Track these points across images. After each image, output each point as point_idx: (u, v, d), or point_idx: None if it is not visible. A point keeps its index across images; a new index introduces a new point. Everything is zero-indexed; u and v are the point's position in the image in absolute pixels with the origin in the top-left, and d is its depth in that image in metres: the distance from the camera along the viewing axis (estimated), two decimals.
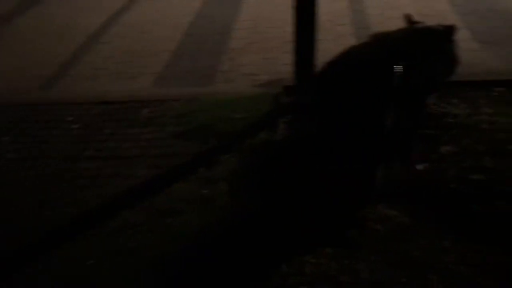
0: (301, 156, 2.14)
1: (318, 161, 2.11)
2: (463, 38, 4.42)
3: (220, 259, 2.17)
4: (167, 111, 3.59)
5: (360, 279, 2.02)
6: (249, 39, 4.88)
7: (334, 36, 4.77)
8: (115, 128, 3.44)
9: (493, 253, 2.09)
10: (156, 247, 2.35)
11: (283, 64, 4.16)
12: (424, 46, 2.37)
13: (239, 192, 2.33)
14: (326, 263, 2.09)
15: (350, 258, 2.11)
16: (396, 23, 2.67)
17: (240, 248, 2.20)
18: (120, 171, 2.99)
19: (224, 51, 4.68)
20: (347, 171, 2.05)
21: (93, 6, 6.08)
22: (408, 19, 2.56)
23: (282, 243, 2.15)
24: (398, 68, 2.17)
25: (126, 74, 4.37)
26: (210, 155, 3.00)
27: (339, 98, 2.23)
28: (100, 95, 3.93)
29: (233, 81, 4.12)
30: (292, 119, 2.69)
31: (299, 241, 2.16)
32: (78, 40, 5.11)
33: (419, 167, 2.64)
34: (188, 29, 5.22)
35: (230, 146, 3.04)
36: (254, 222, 2.28)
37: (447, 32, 2.44)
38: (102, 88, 4.12)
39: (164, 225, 2.49)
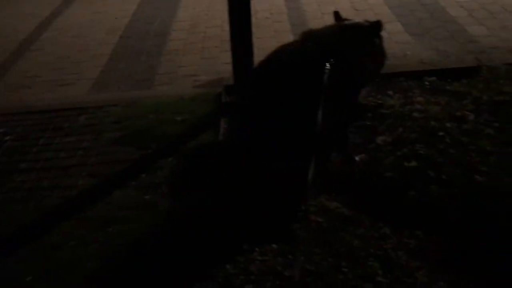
0: (237, 156, 2.15)
1: (254, 160, 2.13)
2: (395, 31, 4.62)
3: (163, 263, 2.15)
4: (105, 117, 3.51)
5: (305, 272, 2.05)
6: (187, 40, 4.85)
7: (273, 34, 4.82)
8: (51, 138, 3.33)
9: (429, 237, 2.18)
10: (99, 258, 2.29)
11: (223, 63, 4.16)
12: (353, 42, 2.44)
13: (180, 194, 2.31)
14: (271, 260, 2.11)
15: (294, 252, 2.14)
16: (332, 18, 2.72)
17: (183, 251, 2.18)
18: (58, 182, 2.90)
19: (163, 52, 4.62)
20: (282, 167, 2.09)
21: (22, 11, 5.85)
22: (337, 16, 2.63)
23: (226, 243, 2.15)
24: (329, 64, 2.22)
25: (61, 81, 4.24)
26: (151, 159, 2.96)
27: (272, 96, 2.26)
28: (34, 104, 3.80)
29: (173, 83, 4.08)
30: (231, 119, 2.70)
31: (243, 240, 2.16)
32: (9, 47, 4.91)
33: (357, 158, 2.71)
34: (124, 32, 5.12)
35: (171, 149, 3.01)
36: (197, 224, 2.28)
37: (374, 27, 2.52)
38: (36, 97, 3.98)
39: (106, 234, 2.44)
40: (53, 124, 3.49)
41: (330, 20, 2.75)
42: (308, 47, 2.39)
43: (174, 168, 2.55)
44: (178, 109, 3.48)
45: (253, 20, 5.02)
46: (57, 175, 2.96)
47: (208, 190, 2.26)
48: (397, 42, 4.40)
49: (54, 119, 3.54)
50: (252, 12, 5.15)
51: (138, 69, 4.33)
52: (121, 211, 2.59)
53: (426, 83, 3.55)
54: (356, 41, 2.46)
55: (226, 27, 3.73)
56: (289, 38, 4.27)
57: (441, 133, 2.58)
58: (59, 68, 4.46)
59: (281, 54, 2.43)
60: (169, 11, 5.56)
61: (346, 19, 2.61)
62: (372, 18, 2.81)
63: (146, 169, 2.88)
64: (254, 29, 4.73)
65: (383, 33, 4.16)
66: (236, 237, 2.19)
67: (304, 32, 2.55)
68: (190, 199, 2.32)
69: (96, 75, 4.27)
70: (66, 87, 4.13)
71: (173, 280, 2.11)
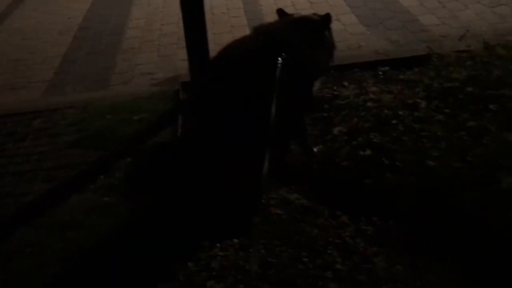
0: (193, 153, 2.15)
1: (210, 156, 2.13)
2: (350, 22, 4.69)
3: (124, 265, 2.13)
4: (61, 120, 3.43)
5: (266, 265, 2.07)
6: (143, 38, 4.79)
7: (230, 29, 4.81)
8: (4, 144, 3.24)
9: (385, 223, 2.24)
10: (58, 263, 2.25)
11: (180, 60, 4.13)
12: (304, 36, 2.46)
13: (139, 195, 2.29)
14: (233, 254, 2.12)
15: (254, 246, 2.15)
16: (288, 11, 2.74)
17: (144, 252, 2.17)
18: (14, 188, 2.83)
19: (118, 51, 4.54)
20: (237, 162, 2.10)
21: None
22: (281, 13, 2.65)
23: (186, 242, 2.15)
24: (281, 58, 2.24)
25: (12, 85, 4.12)
26: (109, 161, 2.91)
27: (225, 92, 2.27)
28: None
29: (130, 82, 4.03)
30: (187, 116, 2.69)
31: (204, 237, 2.17)
32: None
33: (315, 149, 2.75)
34: (78, 32, 5.01)
35: (129, 149, 2.97)
36: (156, 224, 2.27)
37: (324, 20, 2.56)
38: None
39: (65, 239, 2.40)
40: (6, 129, 3.39)
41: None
42: (260, 42, 2.40)
43: (132, 169, 2.52)
44: (135, 109, 3.44)
45: (210, 15, 5.05)
46: (12, 181, 2.89)
47: (166, 189, 2.24)
48: (352, 33, 4.47)
49: (7, 124, 3.44)
50: (209, 7, 5.18)
51: (94, 70, 4.25)
52: (79, 215, 2.55)
53: (380, 73, 3.63)
54: (307, 34, 2.48)
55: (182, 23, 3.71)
56: (246, 33, 4.22)
57: (394, 121, 2.64)
58: (10, 71, 4.33)
59: (233, 50, 2.43)
60: (123, 9, 5.47)
61: (290, 15, 2.64)
62: (327, 10, 2.86)
63: (104, 170, 2.83)
64: (210, 25, 4.75)
65: (339, 25, 4.22)
66: (197, 234, 2.19)
67: (255, 27, 2.56)
68: (149, 199, 2.29)
69: (49, 78, 4.17)
70: (18, 90, 4.02)
71: (135, 282, 2.10)
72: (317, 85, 2.66)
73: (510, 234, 2.01)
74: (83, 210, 2.56)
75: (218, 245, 2.16)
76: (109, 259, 2.26)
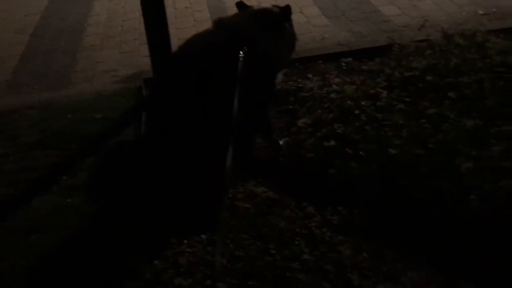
0: (156, 151, 2.13)
1: (173, 153, 2.12)
2: (313, 15, 4.72)
3: (90, 267, 2.10)
4: (21, 121, 3.35)
5: (234, 259, 2.07)
6: (104, 34, 4.70)
7: (193, 23, 4.77)
8: None
9: (350, 212, 2.27)
10: (21, 268, 2.20)
11: (142, 56, 4.08)
12: (264, 28, 2.46)
13: (103, 195, 2.26)
14: (200, 250, 2.11)
15: (223, 240, 2.15)
16: (252, 4, 2.72)
17: (110, 252, 2.14)
18: None
19: (79, 49, 4.45)
20: (199, 158, 2.09)
21: None
22: (240, 6, 2.64)
23: (153, 240, 2.13)
24: (242, 52, 2.24)
25: None
26: (72, 161, 2.86)
27: (186, 87, 2.25)
28: None
29: (92, 80, 3.95)
30: (149, 113, 2.66)
31: (171, 234, 2.15)
32: None
33: (281, 142, 2.77)
34: (36, 30, 4.87)
35: (92, 149, 2.92)
36: (122, 224, 2.24)
37: (284, 12, 2.56)
38: None
39: (28, 243, 2.35)
40: None
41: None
42: (221, 36, 2.39)
43: (94, 169, 2.48)
44: (97, 107, 3.39)
45: (173, 10, 4.99)
46: None
47: (131, 188, 2.21)
48: (315, 25, 4.50)
49: None
50: (171, 2, 5.11)
51: (53, 69, 4.15)
52: (43, 217, 2.50)
53: (343, 64, 3.68)
54: (267, 26, 2.48)
55: None
56: (209, 27, 4.25)
57: (357, 112, 2.67)
58: None
59: (194, 44, 2.41)
60: (83, 5, 5.35)
61: (250, 7, 2.64)
62: (289, 2, 2.85)
63: (67, 171, 2.78)
64: (174, 19, 4.70)
65: (302, 17, 4.24)
66: (164, 232, 2.17)
67: (215, 20, 2.54)
68: (113, 199, 2.26)
69: (7, 78, 4.05)
70: None
71: (102, 283, 2.07)
72: (279, 77, 2.67)
73: (468, 218, 2.07)
74: (46, 213, 2.52)
75: (185, 241, 2.15)
76: (74, 260, 2.22)
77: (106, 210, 2.38)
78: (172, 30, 3.27)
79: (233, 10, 4.72)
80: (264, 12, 2.57)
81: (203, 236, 2.18)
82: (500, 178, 2.13)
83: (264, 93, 2.52)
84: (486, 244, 2.03)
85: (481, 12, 4.38)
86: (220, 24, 2.48)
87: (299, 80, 3.41)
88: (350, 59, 3.72)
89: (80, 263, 2.19)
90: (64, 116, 3.32)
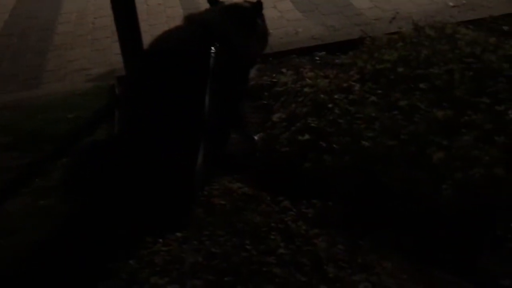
0: (128, 150, 2.11)
1: (144, 151, 2.09)
2: (287, 9, 4.72)
3: (64, 268, 2.07)
4: None
5: (210, 256, 2.07)
6: (75, 32, 4.62)
7: (166, 20, 4.72)
8: None
9: (325, 205, 2.28)
10: None
11: (114, 54, 4.02)
12: (236, 23, 2.45)
13: (75, 195, 2.23)
14: (176, 248, 2.10)
15: (199, 238, 2.14)
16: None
17: (84, 253, 2.11)
18: None
19: (50, 48, 4.37)
20: (170, 156, 2.07)
21: None
22: (211, 1, 2.63)
23: (128, 239, 2.11)
24: (213, 48, 2.22)
25: None
26: (44, 162, 2.81)
27: (157, 84, 2.22)
28: None
29: (63, 79, 3.89)
30: (120, 111, 2.62)
31: (147, 233, 2.13)
32: None
33: (256, 137, 2.77)
34: (4, 29, 4.76)
35: (65, 149, 2.87)
36: (96, 223, 2.21)
37: (255, 7, 2.56)
38: None
39: (0, 246, 2.30)
40: None
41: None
42: (192, 32, 2.37)
43: (66, 169, 2.45)
44: (69, 106, 3.33)
45: (145, 6, 4.94)
46: None
47: (104, 187, 2.19)
48: (289, 19, 4.51)
49: None
50: None
51: (23, 68, 4.07)
52: (15, 220, 2.45)
53: (317, 58, 3.69)
54: (239, 22, 2.48)
55: None
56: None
57: (330, 105, 2.69)
58: None
59: (165, 40, 2.39)
60: (53, 3, 5.25)
61: (221, 2, 2.62)
62: None
63: (39, 173, 2.74)
64: (146, 16, 4.65)
65: (275, 12, 4.24)
66: (139, 231, 2.15)
67: (186, 16, 2.52)
68: (86, 199, 2.23)
69: None
70: None
71: (76, 283, 2.04)
72: (253, 72, 2.66)
73: (441, 207, 2.10)
74: (18, 215, 2.47)
75: (160, 240, 2.13)
76: (48, 262, 2.19)
77: (80, 211, 2.35)
78: (144, 27, 3.24)
79: (206, 5, 4.71)
80: (235, 8, 2.56)
81: (178, 234, 2.17)
82: (471, 167, 2.17)
83: (237, 88, 2.51)
84: (459, 232, 2.07)
85: (451, 4, 4.44)
86: (191, 19, 2.46)
87: (274, 75, 3.41)
88: (323, 53, 3.73)
89: (53, 265, 2.16)
90: (36, 116, 3.25)
